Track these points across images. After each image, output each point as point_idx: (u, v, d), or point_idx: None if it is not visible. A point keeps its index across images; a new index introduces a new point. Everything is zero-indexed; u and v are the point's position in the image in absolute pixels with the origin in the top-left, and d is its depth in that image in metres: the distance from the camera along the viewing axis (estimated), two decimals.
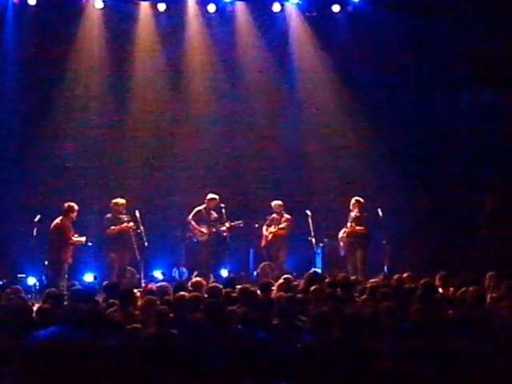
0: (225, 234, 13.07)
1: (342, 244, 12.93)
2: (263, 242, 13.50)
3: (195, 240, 13.27)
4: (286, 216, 13.31)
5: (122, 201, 12.41)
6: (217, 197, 13.11)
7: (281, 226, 13.25)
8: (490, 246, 13.51)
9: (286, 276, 9.52)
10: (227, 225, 13.05)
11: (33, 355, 5.51)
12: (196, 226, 13.09)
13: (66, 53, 14.05)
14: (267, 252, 13.49)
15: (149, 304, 7.66)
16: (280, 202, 13.39)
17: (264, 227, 13.49)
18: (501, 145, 14.12)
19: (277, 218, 13.35)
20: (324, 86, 15.07)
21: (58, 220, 11.82)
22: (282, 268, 12.98)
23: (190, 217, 13.14)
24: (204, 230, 13.04)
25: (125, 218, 12.43)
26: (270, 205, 13.67)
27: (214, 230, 13.01)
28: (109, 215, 12.43)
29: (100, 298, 8.75)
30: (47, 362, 5.33)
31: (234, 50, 14.91)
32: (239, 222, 13.28)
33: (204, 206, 13.13)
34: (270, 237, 13.36)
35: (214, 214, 13.12)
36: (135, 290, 8.82)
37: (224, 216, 13.10)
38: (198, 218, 13.11)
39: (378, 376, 5.10)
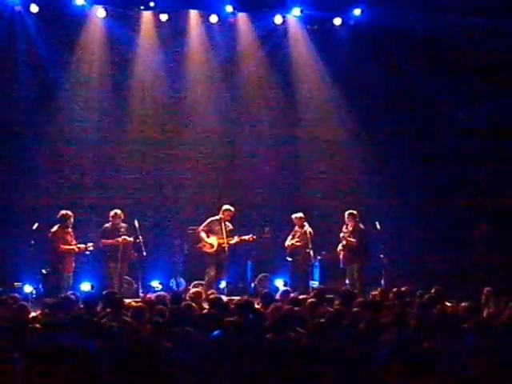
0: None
1: (341, 257, 12.93)
2: (287, 251, 13.31)
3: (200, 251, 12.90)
4: (305, 229, 13.07)
5: (118, 211, 12.40)
6: (232, 208, 12.78)
7: (296, 239, 13.10)
8: (486, 261, 13.52)
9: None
10: (236, 238, 12.80)
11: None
12: (205, 237, 12.72)
13: (67, 61, 14.07)
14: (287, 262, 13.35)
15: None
16: (299, 215, 13.07)
17: (289, 237, 13.21)
18: (499, 160, 14.17)
19: (298, 231, 13.19)
20: (324, 98, 15.12)
21: (53, 229, 11.78)
22: (301, 280, 12.89)
23: (201, 227, 12.82)
24: (212, 242, 12.69)
25: (123, 228, 12.43)
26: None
27: (225, 245, 12.59)
28: (107, 225, 12.40)
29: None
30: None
31: (235, 60, 14.94)
32: (249, 236, 12.93)
33: (219, 216, 12.79)
34: (288, 249, 13.21)
35: (230, 226, 12.78)
36: (131, 300, 8.86)
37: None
38: (209, 229, 12.74)
39: None
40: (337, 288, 10.84)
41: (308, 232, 12.93)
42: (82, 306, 8.63)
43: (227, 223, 12.76)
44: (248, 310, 7.85)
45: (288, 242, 13.18)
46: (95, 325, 7.13)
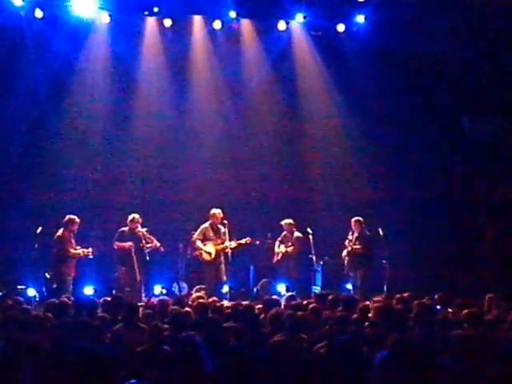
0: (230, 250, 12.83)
1: (345, 262, 12.97)
2: (275, 259, 13.41)
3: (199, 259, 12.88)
4: (296, 234, 13.20)
5: (136, 216, 12.44)
6: (219, 211, 12.76)
7: (289, 246, 13.17)
8: (490, 267, 13.53)
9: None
10: (233, 243, 12.78)
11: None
12: (201, 246, 12.70)
13: (72, 66, 14.13)
14: (279, 268, 13.40)
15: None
16: (289, 221, 13.26)
17: (276, 243, 13.41)
18: (502, 169, 14.18)
19: (287, 236, 13.28)
20: (327, 105, 15.15)
21: (58, 232, 11.84)
22: (300, 285, 12.92)
23: (195, 236, 12.83)
24: (209, 249, 12.67)
25: (139, 231, 12.38)
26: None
27: (228, 250, 12.57)
28: (124, 229, 12.43)
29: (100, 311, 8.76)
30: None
31: (239, 66, 14.99)
32: (246, 239, 12.99)
33: (209, 222, 12.81)
34: (280, 255, 13.29)
35: (223, 229, 12.73)
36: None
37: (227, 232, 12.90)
38: (204, 237, 12.76)
39: None
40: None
41: (303, 238, 12.99)
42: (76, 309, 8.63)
43: (219, 226, 12.75)
44: (248, 315, 7.89)
45: (278, 249, 13.26)
46: (97, 328, 7.13)
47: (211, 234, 12.75)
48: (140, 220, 12.44)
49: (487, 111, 14.54)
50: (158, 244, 12.61)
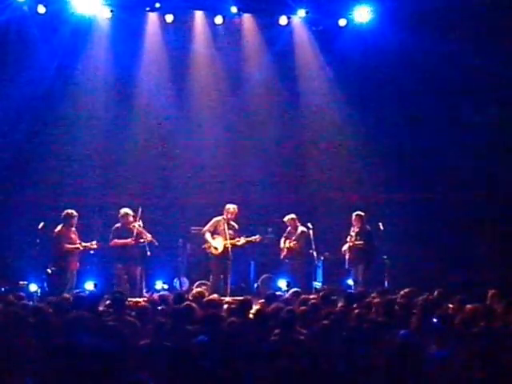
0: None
1: (346, 257, 12.95)
2: (282, 255, 13.30)
3: (207, 251, 12.75)
4: (300, 229, 13.12)
5: (127, 211, 12.30)
6: (234, 206, 12.62)
7: (293, 240, 13.10)
8: (490, 263, 13.53)
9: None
10: (243, 240, 12.70)
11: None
12: (210, 239, 12.56)
13: (73, 61, 14.13)
14: (285, 264, 13.29)
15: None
16: (292, 216, 13.15)
17: (282, 239, 13.31)
18: (503, 161, 14.16)
19: (292, 232, 13.20)
20: (329, 100, 15.14)
21: (57, 228, 11.82)
22: (303, 280, 12.86)
23: (206, 228, 12.67)
24: (218, 244, 12.53)
25: (136, 226, 12.20)
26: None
27: (229, 245, 12.45)
28: (118, 225, 12.29)
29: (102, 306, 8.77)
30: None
31: (240, 61, 15.02)
32: (256, 236, 12.87)
33: (223, 216, 12.64)
34: (285, 251, 13.20)
35: (235, 225, 12.65)
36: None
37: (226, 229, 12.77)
38: (214, 230, 12.60)
39: None
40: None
41: (307, 233, 12.96)
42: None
43: (232, 222, 12.65)
44: (247, 310, 7.91)
45: (283, 245, 13.22)
46: (100, 324, 7.14)
47: (221, 228, 12.59)
48: (132, 214, 12.24)
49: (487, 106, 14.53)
50: (150, 236, 12.28)
